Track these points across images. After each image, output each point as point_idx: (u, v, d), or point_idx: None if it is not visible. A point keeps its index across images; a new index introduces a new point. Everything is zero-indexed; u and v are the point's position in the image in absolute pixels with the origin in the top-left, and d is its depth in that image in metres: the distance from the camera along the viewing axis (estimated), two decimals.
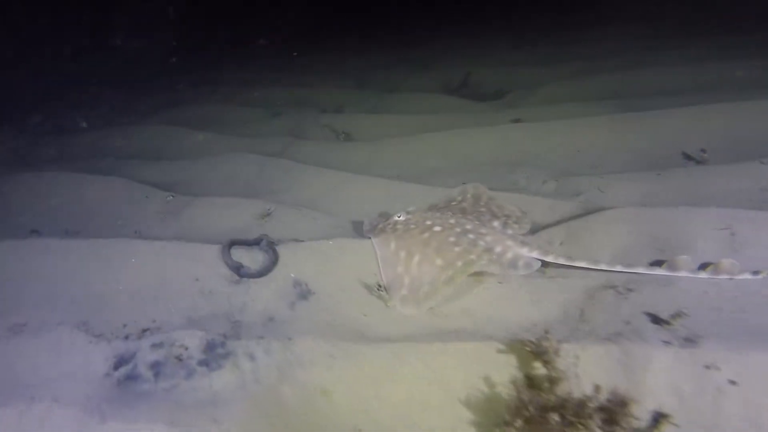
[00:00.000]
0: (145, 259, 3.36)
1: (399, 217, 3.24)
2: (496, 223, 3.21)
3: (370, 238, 3.25)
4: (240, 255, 3.26)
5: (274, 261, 3.13)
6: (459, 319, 2.71)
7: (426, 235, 3.02)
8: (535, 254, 2.87)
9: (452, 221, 3.12)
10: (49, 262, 3.50)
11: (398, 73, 9.38)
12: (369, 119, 6.22)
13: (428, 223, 3.12)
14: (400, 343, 2.56)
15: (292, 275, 3.10)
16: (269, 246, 3.22)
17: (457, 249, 2.89)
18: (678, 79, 5.95)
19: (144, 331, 2.77)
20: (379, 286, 2.94)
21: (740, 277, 2.52)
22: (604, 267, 2.75)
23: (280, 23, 14.90)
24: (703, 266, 2.64)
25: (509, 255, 2.87)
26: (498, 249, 2.91)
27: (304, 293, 2.98)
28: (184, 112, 7.58)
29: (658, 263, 2.74)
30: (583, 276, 2.86)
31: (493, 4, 14.76)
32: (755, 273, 2.52)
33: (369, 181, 4.50)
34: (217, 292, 3.05)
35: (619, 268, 2.71)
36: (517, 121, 5.53)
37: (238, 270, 3.10)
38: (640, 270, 2.68)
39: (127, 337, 2.71)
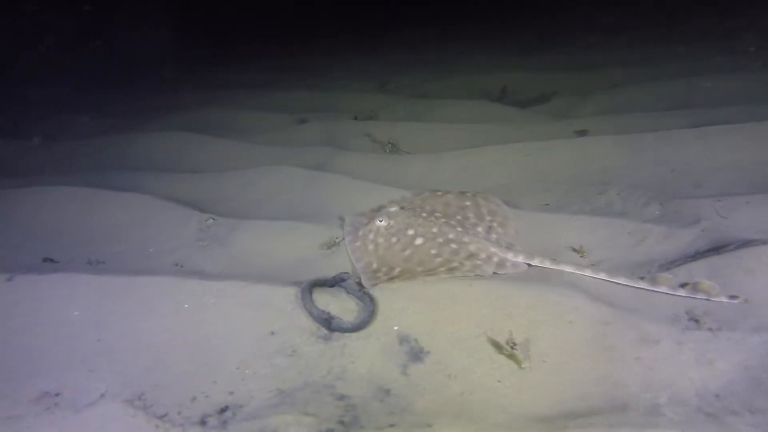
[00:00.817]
0: (202, 305, 2.72)
1: (381, 221, 3.15)
2: (480, 229, 3.22)
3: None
4: (320, 300, 2.66)
5: (372, 310, 2.53)
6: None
7: (408, 252, 2.97)
8: (520, 258, 2.91)
9: (435, 230, 3.08)
10: (77, 304, 2.83)
11: (421, 76, 8.85)
12: (412, 128, 5.63)
13: (410, 233, 3.06)
14: (559, 421, 2.01)
15: (396, 328, 2.51)
16: (361, 290, 2.62)
17: (438, 260, 2.89)
18: (747, 86, 5.55)
19: (223, 410, 2.13)
20: (512, 343, 2.37)
21: (716, 299, 2.55)
22: (588, 273, 2.78)
23: (278, 24, 14.25)
24: (683, 285, 2.65)
25: (495, 260, 2.90)
26: (482, 255, 2.93)
27: (415, 352, 2.39)
28: (194, 116, 6.87)
29: None
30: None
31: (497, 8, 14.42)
32: (732, 297, 2.54)
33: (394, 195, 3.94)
34: (304, 352, 2.43)
35: (602, 276, 2.75)
36: (583, 132, 5.04)
37: (328, 322, 2.49)
38: (621, 281, 2.72)
39: (204, 423, 2.07)
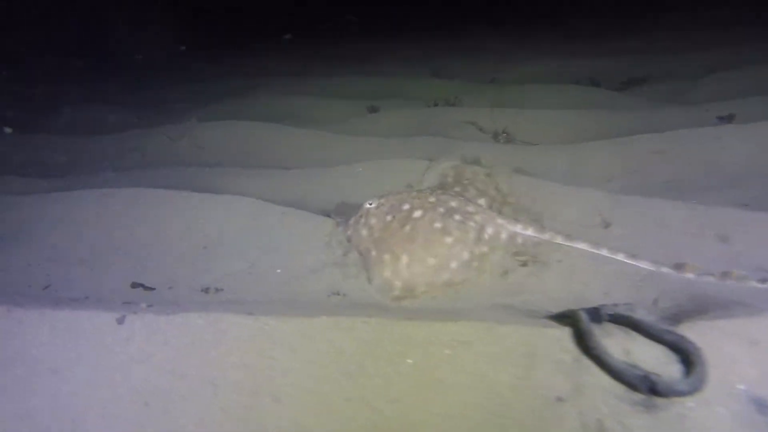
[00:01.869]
0: (432, 363, 1.89)
1: (370, 204, 2.79)
2: (482, 201, 2.92)
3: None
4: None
5: (701, 362, 1.74)
6: None
7: (408, 228, 2.61)
8: (530, 231, 2.64)
9: (432, 199, 2.73)
10: (219, 374, 1.95)
11: (469, 62, 8.10)
12: (512, 115, 4.84)
13: (406, 207, 2.69)
14: None
15: (741, 387, 1.74)
16: (673, 333, 1.83)
17: (448, 239, 2.54)
18: None
19: None
20: None
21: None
22: (605, 252, 2.50)
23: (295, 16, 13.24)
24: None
25: (503, 235, 2.63)
26: (490, 230, 2.63)
27: None
28: (248, 104, 5.95)
29: None
30: None
31: None
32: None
33: (589, 197, 3.16)
34: (626, 428, 1.64)
35: (621, 257, 2.47)
36: (730, 118, 4.36)
37: (650, 383, 1.70)
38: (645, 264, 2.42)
39: None
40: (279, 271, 2.68)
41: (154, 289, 2.69)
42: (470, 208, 2.69)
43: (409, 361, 1.86)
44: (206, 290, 2.56)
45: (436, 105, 5.63)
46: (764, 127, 3.93)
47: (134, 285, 2.73)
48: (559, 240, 2.59)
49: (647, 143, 3.90)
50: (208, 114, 5.72)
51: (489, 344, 1.88)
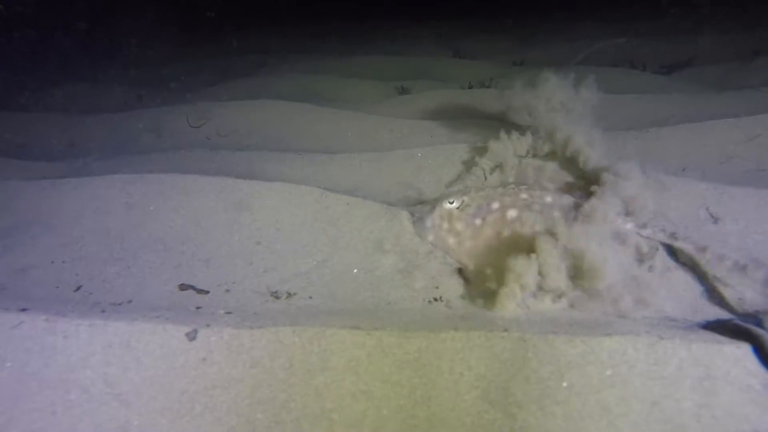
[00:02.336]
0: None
1: (451, 203, 2.42)
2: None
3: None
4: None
5: None
6: None
7: (506, 233, 2.24)
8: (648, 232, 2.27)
9: (524, 196, 2.36)
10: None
11: (487, 43, 7.77)
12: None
13: (496, 206, 2.33)
14: None
15: None
16: None
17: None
18: None
19: None
20: None
21: None
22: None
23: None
24: None
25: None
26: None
27: None
28: (260, 84, 5.51)
29: None
30: None
31: None
32: None
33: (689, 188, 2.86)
34: None
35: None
36: None
37: None
38: None
39: None
40: (356, 271, 2.32)
41: (208, 292, 2.31)
42: (565, 201, 2.36)
43: (564, 384, 1.55)
44: (275, 294, 2.19)
45: (470, 87, 5.28)
46: None
47: (183, 287, 2.34)
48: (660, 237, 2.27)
49: (727, 129, 3.62)
50: (223, 93, 5.27)
51: (655, 363, 1.58)
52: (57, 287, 2.43)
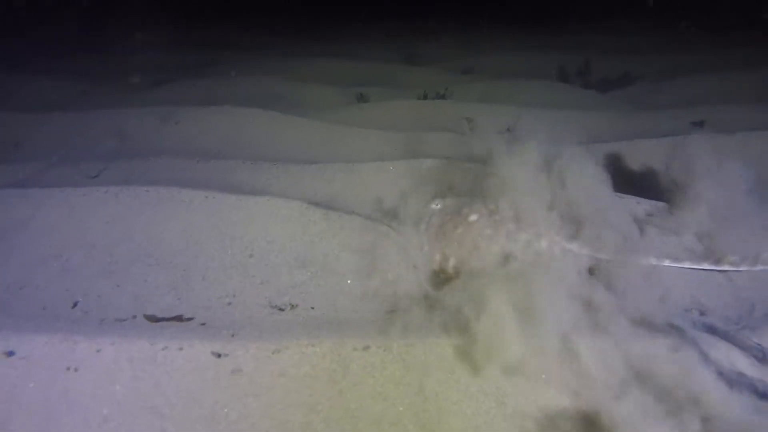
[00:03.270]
0: None
1: (437, 205, 2.70)
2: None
3: None
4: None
5: None
6: None
7: (460, 230, 2.55)
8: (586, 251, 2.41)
9: (493, 207, 2.56)
10: None
11: (437, 47, 8.15)
12: (516, 114, 4.88)
13: (465, 211, 2.61)
14: None
15: None
16: None
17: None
18: None
19: None
20: None
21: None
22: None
23: None
24: None
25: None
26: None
27: None
28: (215, 85, 5.51)
29: None
30: None
31: None
32: None
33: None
34: None
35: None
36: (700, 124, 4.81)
37: None
38: None
39: None
40: (350, 281, 2.57)
41: (181, 319, 2.41)
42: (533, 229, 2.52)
43: None
44: (279, 307, 2.39)
45: (425, 97, 5.60)
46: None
47: (152, 319, 2.43)
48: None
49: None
50: (179, 94, 5.23)
51: None
52: (44, 308, 2.45)
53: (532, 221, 2.47)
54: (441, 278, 2.53)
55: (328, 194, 3.39)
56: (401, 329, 2.05)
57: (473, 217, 2.63)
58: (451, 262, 2.51)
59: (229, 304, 2.47)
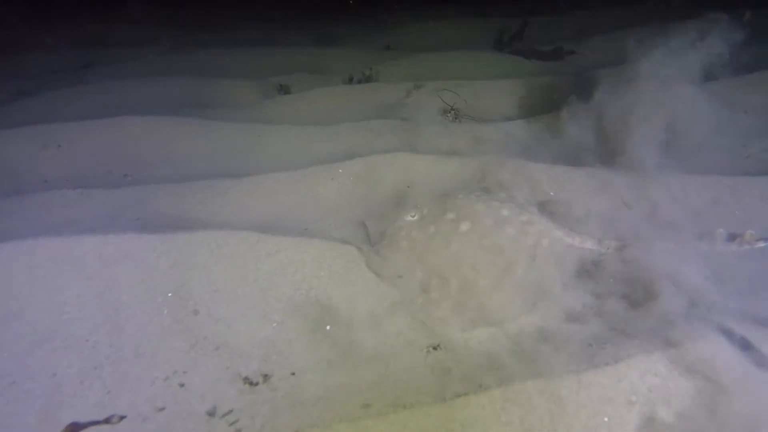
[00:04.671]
0: None
1: (412, 216, 2.45)
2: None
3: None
4: None
5: None
6: None
7: (454, 246, 2.25)
8: (588, 244, 2.36)
9: (480, 207, 2.36)
10: None
11: (350, 25, 7.60)
12: (452, 90, 4.49)
13: (450, 217, 2.35)
14: None
15: None
16: None
17: (498, 259, 2.20)
18: None
19: None
20: None
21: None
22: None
23: None
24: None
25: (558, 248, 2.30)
26: (545, 242, 2.28)
27: None
28: (107, 91, 4.58)
29: None
30: None
31: None
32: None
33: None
34: None
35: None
36: None
37: None
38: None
39: None
40: (329, 327, 2.07)
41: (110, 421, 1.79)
42: (523, 218, 2.36)
43: None
44: (248, 381, 1.85)
45: (351, 81, 5.08)
46: None
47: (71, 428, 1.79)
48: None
49: None
50: (57, 108, 4.27)
51: None
52: None
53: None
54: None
55: (271, 213, 2.82)
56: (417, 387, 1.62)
57: (464, 227, 2.24)
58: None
59: (182, 385, 1.88)
